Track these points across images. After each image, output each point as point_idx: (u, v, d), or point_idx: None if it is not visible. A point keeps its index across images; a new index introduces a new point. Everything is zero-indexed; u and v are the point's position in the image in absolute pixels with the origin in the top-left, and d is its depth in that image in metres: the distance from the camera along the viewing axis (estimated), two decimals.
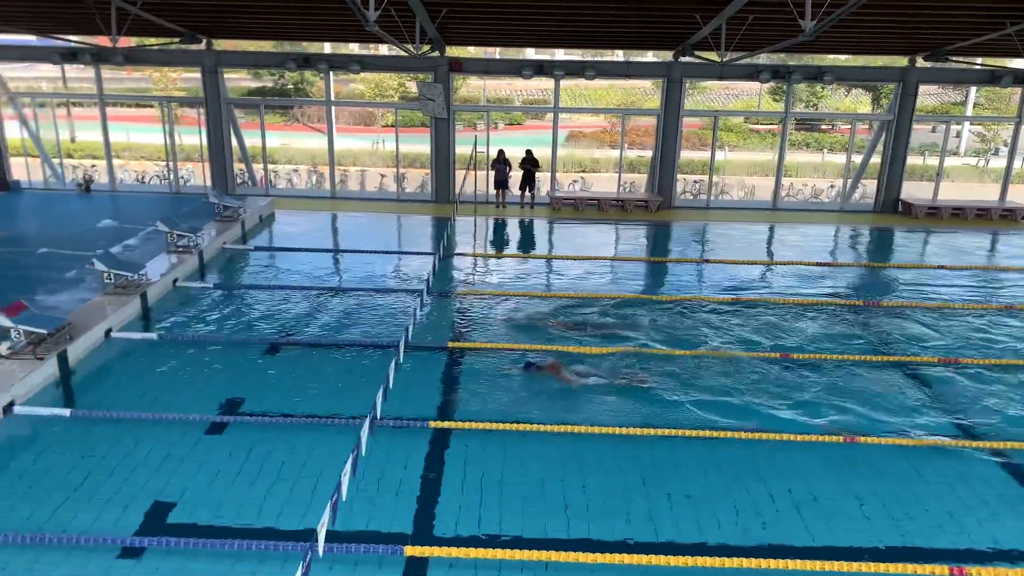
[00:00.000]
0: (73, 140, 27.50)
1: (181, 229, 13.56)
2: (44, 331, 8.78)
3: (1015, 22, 14.13)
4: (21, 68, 25.61)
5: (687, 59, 18.70)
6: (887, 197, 20.34)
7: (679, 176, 21.19)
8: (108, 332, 9.89)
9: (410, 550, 5.75)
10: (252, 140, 21.14)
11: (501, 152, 19.56)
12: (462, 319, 11.18)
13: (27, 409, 7.86)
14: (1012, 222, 19.39)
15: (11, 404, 7.79)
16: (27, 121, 20.69)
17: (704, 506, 6.52)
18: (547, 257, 15.37)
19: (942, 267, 14.70)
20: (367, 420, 6.32)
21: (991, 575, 5.66)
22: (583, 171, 29.99)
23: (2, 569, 5.49)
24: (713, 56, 16.98)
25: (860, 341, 10.63)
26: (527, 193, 19.75)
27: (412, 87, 29.73)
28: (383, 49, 25.12)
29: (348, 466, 5.44)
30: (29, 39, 21.30)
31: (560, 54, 31.16)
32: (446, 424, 7.79)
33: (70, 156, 24.97)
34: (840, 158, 28.71)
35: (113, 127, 20.74)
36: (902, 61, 19.88)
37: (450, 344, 9.98)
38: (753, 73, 19.10)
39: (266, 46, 28.08)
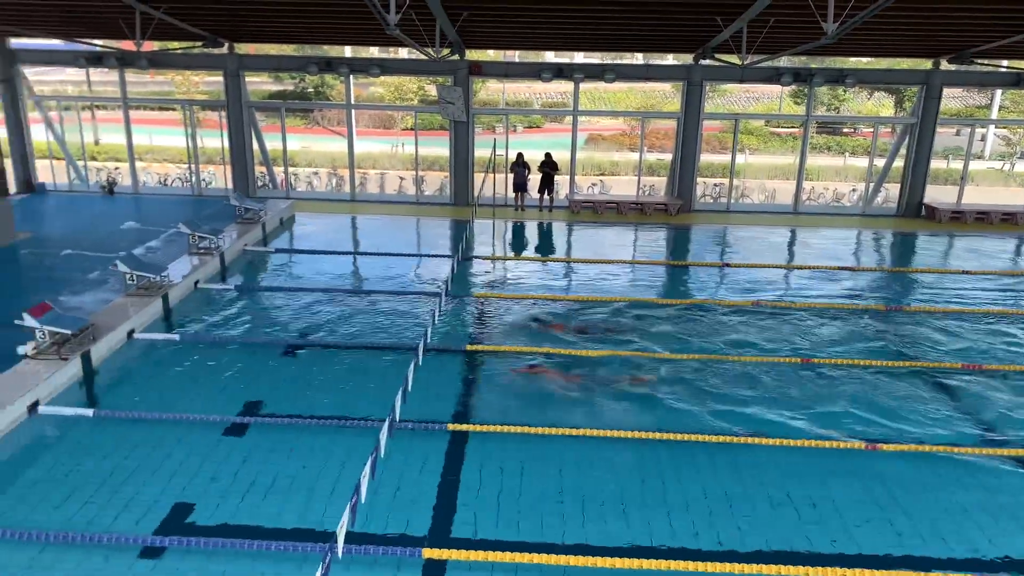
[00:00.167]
0: (97, 143, 27.85)
1: (202, 231, 13.68)
2: (68, 331, 8.88)
3: None
4: (47, 72, 25.96)
5: (707, 62, 18.60)
6: (910, 201, 20.13)
7: (699, 179, 21.09)
8: (130, 333, 9.99)
9: (428, 552, 5.75)
10: (273, 143, 21.31)
11: (520, 155, 19.56)
12: (480, 322, 11.19)
13: (51, 409, 7.96)
14: None
15: (36, 404, 7.90)
16: (52, 124, 20.98)
17: (722, 511, 6.47)
18: (565, 260, 15.35)
19: (966, 272, 14.52)
20: (386, 422, 6.33)
21: None
22: (602, 174, 29.92)
23: (28, 567, 5.56)
24: (734, 59, 16.89)
25: (882, 346, 10.51)
26: (546, 196, 19.74)
27: (432, 90, 29.83)
28: (403, 53, 25.25)
29: (367, 468, 5.45)
30: (56, 43, 21.59)
31: (579, 57, 31.13)
32: (464, 427, 7.79)
33: (94, 159, 25.27)
34: (862, 162, 28.45)
35: (136, 130, 20.98)
36: (926, 64, 19.66)
37: (468, 347, 9.99)
38: (774, 76, 18.98)
39: (287, 50, 28.28)
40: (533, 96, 40.46)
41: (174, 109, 27.79)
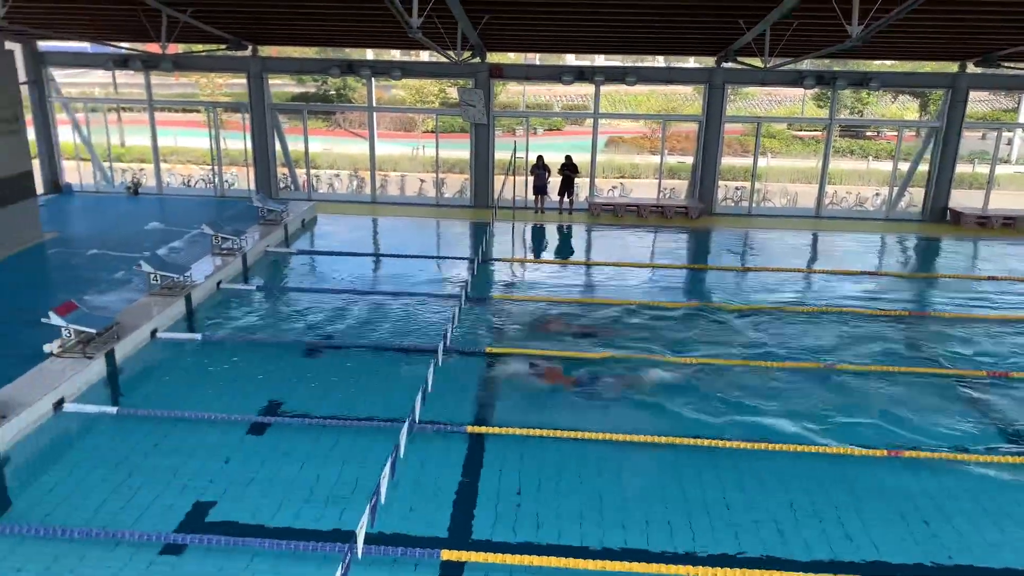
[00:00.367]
0: (122, 144, 28.19)
1: (225, 232, 13.81)
2: (93, 330, 9.00)
3: None
4: (75, 74, 26.31)
5: (729, 64, 18.50)
6: (935, 206, 19.87)
7: (720, 182, 20.97)
8: (154, 332, 10.10)
9: (447, 554, 5.76)
10: (295, 145, 21.45)
11: (540, 158, 19.55)
12: (500, 324, 11.19)
13: (76, 407, 8.07)
14: None
15: (61, 401, 8.01)
16: (79, 126, 21.27)
17: (742, 516, 6.42)
18: (585, 263, 15.32)
19: (992, 278, 14.31)
20: (406, 423, 6.35)
21: None
22: (622, 177, 29.81)
23: (53, 562, 5.64)
24: (756, 62, 16.78)
25: (905, 352, 10.40)
26: (566, 199, 19.72)
27: (453, 93, 29.92)
28: (424, 56, 25.34)
29: (387, 469, 5.47)
30: (83, 46, 21.90)
31: (600, 59, 31.07)
32: (483, 429, 7.79)
33: (119, 160, 25.58)
34: (886, 166, 28.13)
35: (161, 131, 21.21)
36: (952, 67, 19.41)
37: (488, 349, 10.00)
38: (797, 79, 18.82)
39: (310, 52, 28.47)
40: (553, 99, 40.42)
41: (198, 111, 28.04)
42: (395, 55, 28.72)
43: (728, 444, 7.54)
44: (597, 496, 6.67)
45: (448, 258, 15.37)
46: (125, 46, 18.91)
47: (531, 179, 19.57)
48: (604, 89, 20.08)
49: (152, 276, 11.26)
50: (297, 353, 9.84)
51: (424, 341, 10.24)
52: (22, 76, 17.96)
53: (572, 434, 7.66)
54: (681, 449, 7.49)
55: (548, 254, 16.50)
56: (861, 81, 19.23)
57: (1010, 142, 34.77)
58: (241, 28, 17.61)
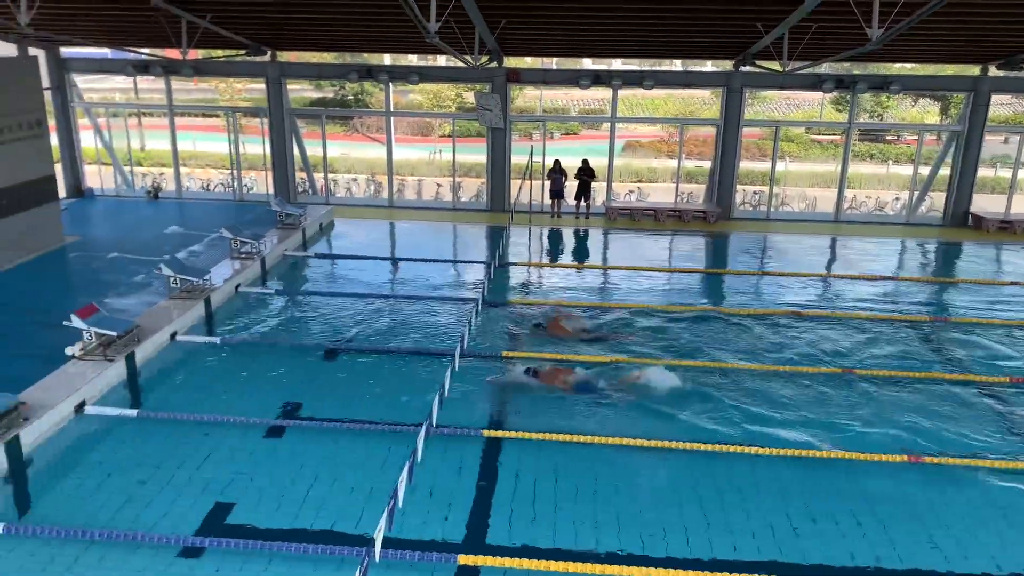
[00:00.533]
0: (143, 149, 28.48)
1: (244, 236, 13.90)
2: (114, 333, 9.09)
3: None
4: (96, 79, 26.59)
5: (747, 68, 18.41)
6: (956, 210, 19.65)
7: (738, 187, 20.85)
8: (173, 335, 10.18)
9: (463, 559, 5.76)
10: (313, 149, 21.58)
11: (557, 162, 19.54)
12: (517, 328, 11.18)
13: (97, 409, 8.14)
14: None
15: (83, 404, 8.09)
16: (101, 131, 21.51)
17: (760, 522, 6.38)
18: (602, 267, 15.28)
19: (1015, 283, 14.13)
20: (423, 427, 6.36)
21: None
22: (639, 181, 29.74)
23: (74, 562, 5.69)
24: (774, 65, 16.69)
25: (926, 358, 10.28)
26: (582, 203, 19.69)
27: (469, 97, 29.97)
28: (441, 60, 25.41)
29: (405, 473, 5.48)
30: (105, 52, 22.16)
31: (617, 63, 31.03)
32: (500, 433, 7.79)
33: (140, 164, 25.86)
34: (906, 170, 27.88)
35: (181, 136, 21.40)
36: (974, 70, 19.21)
37: (505, 353, 9.99)
38: (816, 82, 18.70)
39: (328, 58, 28.66)
40: (570, 103, 40.42)
41: (217, 116, 28.26)
42: (412, 60, 28.82)
43: (746, 450, 7.48)
44: (613, 501, 6.64)
45: (465, 262, 15.40)
46: (146, 52, 19.11)
47: (548, 183, 19.57)
48: (621, 93, 20.02)
49: (172, 279, 11.36)
50: (315, 356, 9.88)
51: (441, 345, 10.26)
52: (45, 82, 18.18)
53: (589, 438, 7.64)
54: (698, 455, 7.45)
55: (565, 258, 16.47)
56: (881, 84, 19.08)
57: None
58: (260, 34, 17.76)
